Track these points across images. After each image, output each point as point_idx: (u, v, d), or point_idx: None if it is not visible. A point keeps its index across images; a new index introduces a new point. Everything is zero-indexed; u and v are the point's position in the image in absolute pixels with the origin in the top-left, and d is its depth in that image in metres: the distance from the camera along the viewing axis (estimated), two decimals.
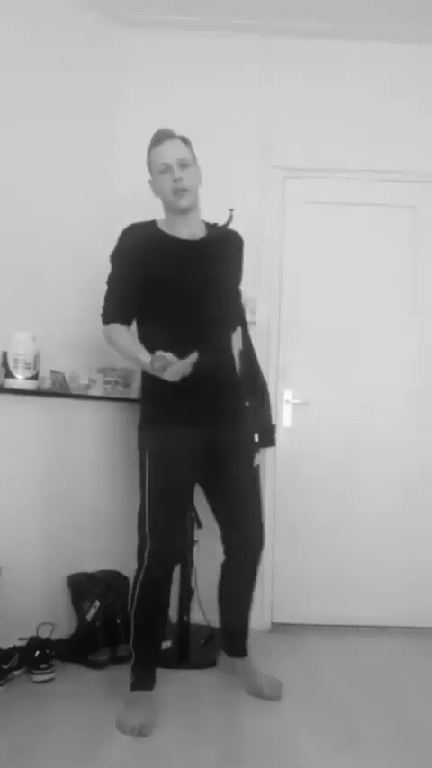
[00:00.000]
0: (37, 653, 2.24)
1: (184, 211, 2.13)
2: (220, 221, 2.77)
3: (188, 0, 2.91)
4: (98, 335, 2.90)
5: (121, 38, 3.06)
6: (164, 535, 2.06)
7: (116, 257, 2.15)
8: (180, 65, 3.09)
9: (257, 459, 2.28)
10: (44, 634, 2.32)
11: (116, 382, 2.74)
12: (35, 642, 2.27)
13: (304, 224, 3.10)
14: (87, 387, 2.69)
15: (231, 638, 2.31)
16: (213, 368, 2.08)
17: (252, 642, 2.33)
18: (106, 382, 2.72)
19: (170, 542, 2.10)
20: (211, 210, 2.80)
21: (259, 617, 2.93)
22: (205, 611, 2.69)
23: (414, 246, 3.12)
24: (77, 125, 2.88)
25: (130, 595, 2.11)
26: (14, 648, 2.25)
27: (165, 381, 1.91)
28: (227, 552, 2.26)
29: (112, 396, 2.71)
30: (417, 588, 2.99)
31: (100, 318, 2.20)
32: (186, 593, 2.65)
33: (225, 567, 2.27)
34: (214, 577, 2.60)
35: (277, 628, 2.95)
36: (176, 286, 2.08)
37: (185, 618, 2.61)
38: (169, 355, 1.84)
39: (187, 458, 2.08)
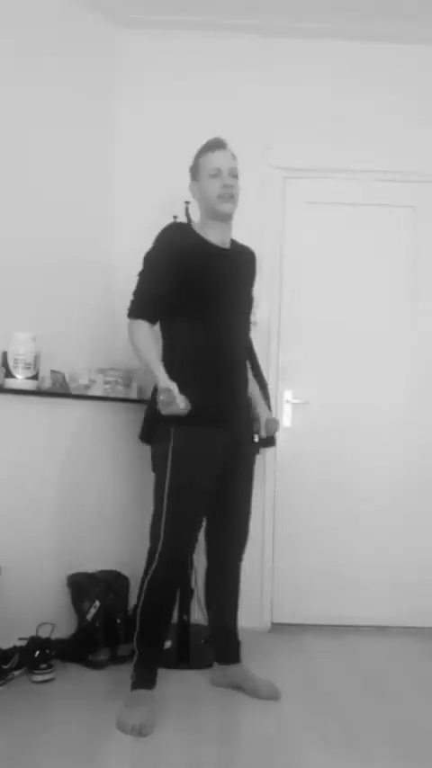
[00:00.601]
0: (37, 653, 2.24)
1: (224, 217, 2.16)
2: None
3: (188, 0, 2.91)
4: (98, 335, 2.92)
5: (121, 38, 3.06)
6: (178, 537, 2.06)
7: (154, 256, 2.14)
8: (180, 65, 3.09)
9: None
10: (44, 634, 2.32)
11: (116, 382, 2.74)
12: (35, 642, 2.27)
13: (304, 224, 3.10)
14: (87, 387, 2.69)
15: (224, 643, 2.29)
16: (239, 373, 2.18)
17: (252, 642, 2.33)
18: (106, 382, 2.72)
19: (184, 544, 2.10)
20: None
21: (259, 617, 2.93)
22: (205, 611, 2.69)
23: (414, 246, 3.12)
24: (77, 125, 2.88)
25: (138, 593, 2.09)
26: (14, 648, 2.25)
27: (192, 379, 2.02)
28: (210, 556, 2.27)
29: (112, 396, 2.71)
30: (416, 588, 2.99)
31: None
32: (186, 594, 2.65)
33: (209, 573, 2.28)
34: None
35: (277, 628, 2.96)
36: (211, 289, 2.11)
37: (185, 618, 2.61)
38: (178, 397, 1.96)
39: (212, 459, 2.08)
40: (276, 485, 3.03)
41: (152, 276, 2.12)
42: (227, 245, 2.21)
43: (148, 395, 2.78)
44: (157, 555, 2.04)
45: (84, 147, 2.92)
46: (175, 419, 2.03)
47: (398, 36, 3.07)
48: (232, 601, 2.27)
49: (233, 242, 2.26)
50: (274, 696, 2.18)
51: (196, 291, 2.09)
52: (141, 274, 2.15)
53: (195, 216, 2.41)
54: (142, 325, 2.10)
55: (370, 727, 2.00)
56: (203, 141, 3.06)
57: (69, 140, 2.84)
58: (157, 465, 2.11)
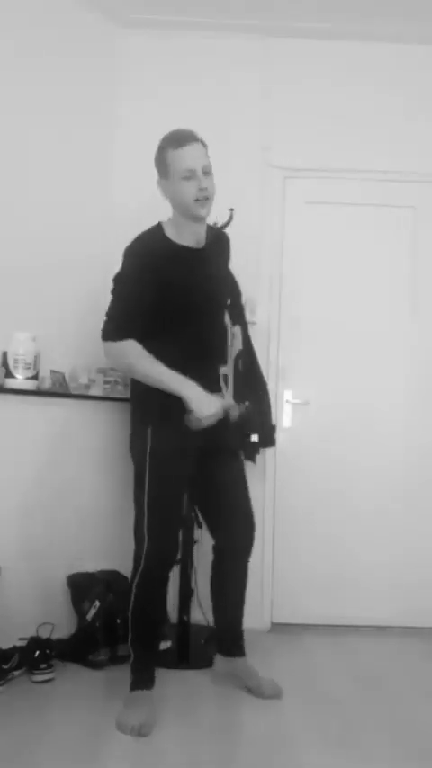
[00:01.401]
0: (37, 653, 2.24)
1: (200, 219, 2.08)
2: (221, 221, 2.78)
3: (188, 0, 2.91)
4: (98, 336, 2.91)
5: (121, 38, 3.06)
6: (162, 536, 2.06)
7: (127, 274, 2.04)
8: (180, 65, 3.09)
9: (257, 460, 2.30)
10: (44, 634, 2.32)
11: (116, 382, 2.74)
12: (35, 642, 2.27)
13: (304, 224, 3.10)
14: (87, 387, 2.69)
15: (228, 637, 2.29)
16: (214, 371, 2.16)
17: (252, 642, 2.33)
18: (106, 382, 2.72)
19: (168, 544, 2.10)
20: (212, 210, 2.80)
21: (259, 617, 2.93)
22: (205, 611, 2.69)
23: (414, 246, 3.12)
24: (77, 125, 2.88)
25: (128, 596, 2.09)
26: (14, 648, 2.24)
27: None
28: (216, 551, 2.26)
29: (112, 396, 2.71)
30: (417, 588, 2.99)
31: (100, 323, 2.14)
32: (186, 593, 2.65)
33: (215, 567, 2.27)
34: None
35: (277, 628, 2.95)
36: (188, 297, 2.05)
37: (185, 618, 2.61)
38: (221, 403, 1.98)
39: (187, 457, 2.08)
40: (276, 485, 3.03)
41: (129, 293, 2.03)
42: (202, 243, 2.13)
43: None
44: (143, 557, 2.04)
45: (84, 146, 2.91)
46: (152, 421, 2.04)
47: (398, 36, 3.07)
48: (240, 594, 2.26)
49: (207, 231, 2.16)
50: (277, 695, 2.18)
51: (172, 301, 2.02)
52: (118, 294, 2.05)
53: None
54: (133, 344, 2.00)
55: (370, 727, 2.00)
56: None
57: (69, 140, 2.84)
58: (136, 468, 2.09)
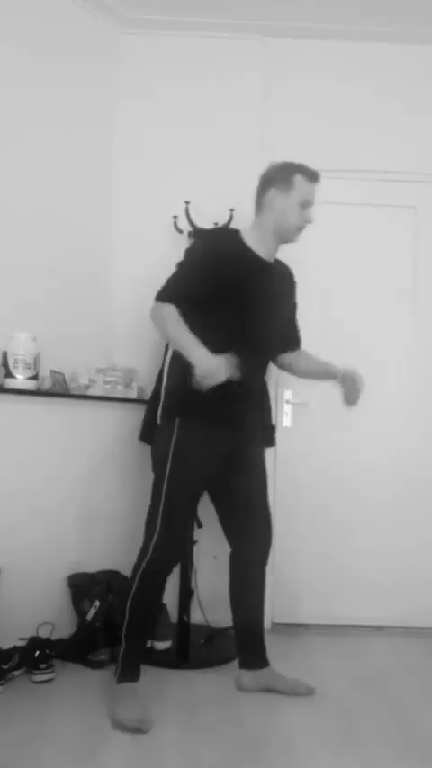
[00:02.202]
0: (37, 653, 2.24)
1: (288, 242, 2.22)
2: (221, 221, 2.79)
3: (189, 0, 2.91)
4: (98, 336, 2.92)
5: (121, 38, 3.06)
6: (174, 529, 2.07)
7: (198, 254, 2.14)
8: (180, 65, 3.09)
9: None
10: (44, 634, 2.32)
11: (116, 382, 2.74)
12: (35, 642, 2.27)
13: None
14: (87, 387, 2.69)
15: (250, 648, 2.27)
16: (254, 382, 2.21)
17: None
18: (106, 382, 2.72)
19: (179, 537, 2.12)
20: (212, 210, 2.82)
21: None
22: (205, 611, 2.69)
23: (414, 246, 3.12)
24: (77, 125, 2.88)
25: (128, 586, 2.09)
26: (14, 648, 2.24)
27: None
28: (233, 558, 2.27)
29: (112, 396, 2.71)
30: (417, 588, 3.00)
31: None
32: (186, 593, 2.65)
33: (233, 575, 2.28)
34: (214, 577, 2.60)
35: (277, 628, 2.95)
36: (249, 298, 2.11)
37: (185, 618, 2.61)
38: (221, 364, 1.94)
39: (213, 457, 2.10)
40: (276, 485, 3.02)
41: (192, 269, 2.11)
42: (271, 260, 2.23)
43: (148, 395, 2.78)
44: (152, 546, 2.04)
45: (84, 146, 2.92)
46: (180, 413, 2.05)
47: (398, 36, 3.07)
48: (258, 602, 2.27)
49: (276, 260, 2.29)
50: (311, 691, 2.21)
51: (232, 297, 2.08)
52: (181, 265, 2.14)
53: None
54: (173, 309, 2.06)
55: (370, 728, 2.00)
56: (203, 141, 3.08)
57: (69, 140, 2.84)
58: (158, 459, 2.11)
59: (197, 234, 2.12)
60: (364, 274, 3.10)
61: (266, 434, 2.33)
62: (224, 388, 1.99)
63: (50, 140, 2.76)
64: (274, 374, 3.01)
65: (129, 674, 2.05)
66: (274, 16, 2.99)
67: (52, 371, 2.60)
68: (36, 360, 2.45)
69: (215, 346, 1.99)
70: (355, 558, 3.00)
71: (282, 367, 2.49)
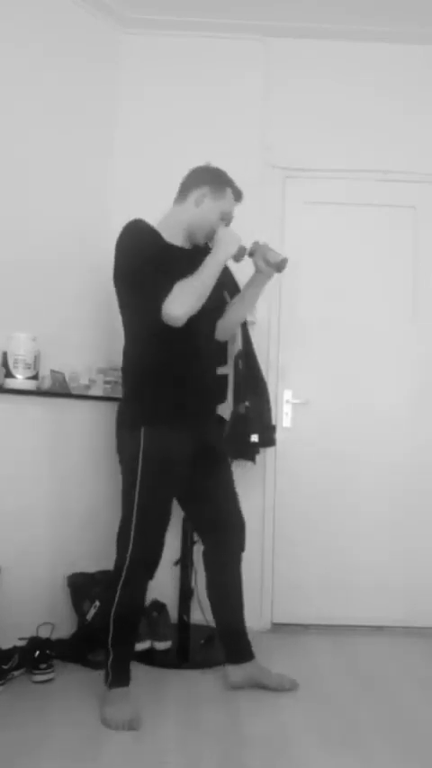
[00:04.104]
0: (37, 653, 2.24)
1: (192, 240, 2.20)
2: None
3: (189, 0, 2.91)
4: (98, 335, 2.92)
5: (122, 38, 3.06)
6: (150, 539, 2.05)
7: (143, 248, 2.05)
8: (180, 65, 3.09)
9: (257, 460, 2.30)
10: (44, 634, 2.32)
11: (116, 382, 2.73)
12: (35, 642, 2.27)
13: (304, 224, 3.10)
14: (87, 387, 2.69)
15: (233, 643, 2.27)
16: (209, 373, 2.19)
17: (252, 642, 2.32)
18: (106, 382, 2.72)
19: (154, 549, 2.08)
20: None
21: (259, 617, 2.93)
22: (205, 611, 2.69)
23: (414, 246, 3.12)
24: (77, 125, 2.88)
25: (109, 597, 2.06)
26: (14, 648, 2.24)
27: (163, 382, 2.03)
28: (205, 555, 2.27)
29: (112, 396, 2.71)
30: (417, 588, 3.00)
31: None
32: (186, 594, 2.65)
33: (208, 572, 2.27)
34: None
35: (277, 628, 2.95)
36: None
37: (185, 618, 2.62)
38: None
39: (182, 461, 2.08)
40: (276, 485, 3.03)
41: (152, 269, 2.02)
42: (188, 246, 2.21)
43: None
44: (128, 557, 2.02)
45: (84, 146, 2.91)
46: (145, 421, 2.03)
47: (398, 36, 3.07)
48: (237, 598, 2.26)
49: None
50: (295, 686, 2.23)
51: (169, 287, 2.00)
52: (140, 281, 2.03)
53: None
54: (173, 291, 1.98)
55: (370, 728, 2.00)
56: (203, 141, 3.08)
57: (69, 140, 2.84)
58: (127, 469, 2.07)
59: (123, 229, 2.11)
60: (364, 274, 3.10)
61: (266, 434, 2.33)
62: (180, 392, 2.04)
63: (50, 140, 2.76)
64: (273, 374, 3.01)
65: (119, 679, 2.04)
66: (274, 16, 2.99)
67: (52, 371, 2.60)
68: (36, 360, 2.45)
69: (162, 353, 2.05)
70: (356, 558, 3.00)
71: (218, 335, 2.37)
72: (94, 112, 2.98)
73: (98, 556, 2.66)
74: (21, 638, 2.29)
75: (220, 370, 2.65)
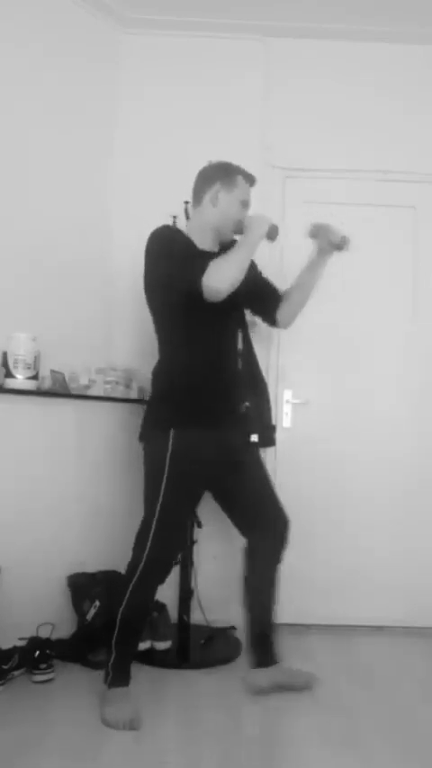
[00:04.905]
0: (37, 653, 2.24)
1: (227, 238, 2.21)
2: None
3: (188, 0, 2.91)
4: (98, 336, 2.92)
5: (122, 38, 3.06)
6: (168, 540, 2.06)
7: (170, 241, 2.08)
8: (180, 65, 3.09)
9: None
10: (44, 634, 2.32)
11: (116, 382, 2.74)
12: (35, 642, 2.27)
13: (304, 224, 3.09)
14: (87, 387, 2.69)
15: (265, 646, 2.24)
16: (238, 375, 2.17)
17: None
18: (106, 382, 2.72)
19: (173, 548, 2.10)
20: None
21: None
22: (205, 611, 2.69)
23: (414, 246, 3.12)
24: (77, 125, 2.88)
25: (119, 596, 2.07)
26: (14, 648, 2.24)
27: (190, 383, 2.05)
28: (249, 552, 2.24)
29: (112, 396, 2.71)
30: (417, 588, 2.99)
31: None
32: (186, 593, 2.65)
33: (247, 568, 2.25)
34: (214, 577, 2.60)
35: (277, 628, 2.95)
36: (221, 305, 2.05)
37: (185, 618, 2.62)
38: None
39: (210, 463, 2.09)
40: (276, 485, 3.01)
41: (180, 250, 2.05)
42: (216, 249, 2.20)
43: (148, 395, 2.78)
44: (144, 558, 2.02)
45: (84, 146, 2.92)
46: (174, 423, 2.03)
47: (398, 36, 3.07)
48: (271, 599, 2.24)
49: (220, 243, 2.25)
50: (313, 681, 2.23)
51: (194, 299, 2.02)
52: (167, 254, 2.05)
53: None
54: (208, 271, 1.97)
55: (371, 728, 2.00)
56: (203, 141, 3.08)
57: (69, 140, 2.84)
58: (151, 472, 2.07)
59: (152, 235, 2.16)
60: (364, 274, 3.10)
61: (266, 434, 2.32)
62: (207, 393, 2.04)
63: (50, 140, 2.76)
64: (273, 374, 3.01)
65: (119, 679, 2.05)
66: (274, 16, 2.99)
67: (52, 371, 2.60)
68: (36, 360, 2.45)
69: (189, 355, 2.07)
70: (356, 558, 3.00)
71: (283, 323, 2.43)
72: (94, 112, 2.98)
73: (98, 556, 2.66)
74: (21, 638, 2.29)
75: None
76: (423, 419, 3.06)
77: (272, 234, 2.14)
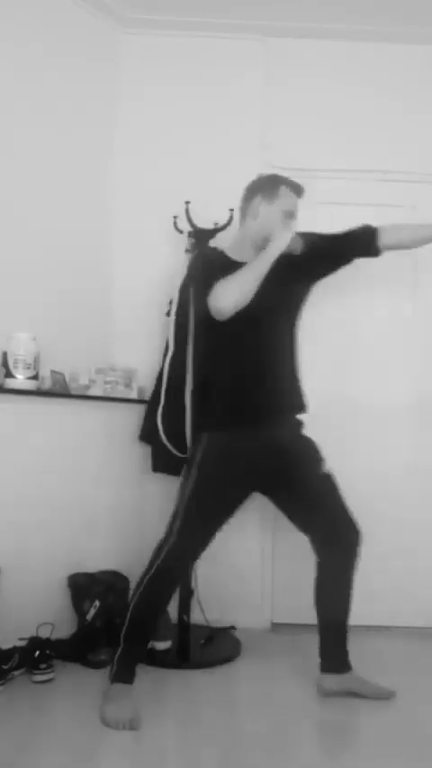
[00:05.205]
0: (37, 653, 2.24)
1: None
2: (221, 221, 2.79)
3: (188, 0, 2.91)
4: (98, 336, 2.92)
5: (121, 38, 3.06)
6: (190, 539, 2.08)
7: (196, 270, 2.21)
8: (180, 64, 3.09)
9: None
10: (44, 634, 2.32)
11: (116, 382, 2.74)
12: (35, 642, 2.27)
13: (304, 224, 3.09)
14: (87, 387, 2.69)
15: (338, 651, 2.22)
16: (271, 378, 2.18)
17: (252, 642, 2.33)
18: (106, 382, 2.72)
19: (193, 548, 2.11)
20: (212, 210, 2.81)
21: (259, 617, 2.93)
22: (205, 611, 2.69)
23: None
24: (77, 125, 2.88)
25: (134, 589, 2.09)
26: (14, 648, 2.24)
27: (223, 378, 2.10)
28: (318, 560, 2.23)
29: (112, 396, 2.71)
30: (417, 588, 2.99)
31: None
32: (186, 593, 2.65)
33: (318, 576, 2.24)
34: (214, 577, 2.61)
35: (277, 628, 2.95)
36: (250, 309, 2.06)
37: (185, 618, 2.62)
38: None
39: (242, 472, 2.09)
40: None
41: (206, 278, 2.10)
42: None
43: (148, 395, 2.79)
44: (164, 553, 2.05)
45: (84, 146, 2.92)
46: (206, 428, 2.09)
47: (398, 36, 3.07)
48: (344, 606, 2.21)
49: None
50: (392, 695, 2.19)
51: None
52: (196, 287, 2.17)
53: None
54: (220, 284, 2.03)
55: (370, 728, 2.00)
56: (203, 141, 3.08)
57: (69, 140, 2.84)
58: (186, 472, 2.14)
59: (193, 257, 2.27)
60: (364, 274, 3.09)
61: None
62: (246, 392, 2.08)
63: (50, 140, 2.76)
64: None
65: (123, 675, 2.05)
66: (274, 16, 2.99)
67: (52, 371, 2.60)
68: (36, 360, 2.45)
69: (229, 359, 2.10)
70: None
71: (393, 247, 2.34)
72: (94, 112, 2.98)
73: (99, 556, 2.66)
74: (21, 638, 2.29)
75: None
76: (423, 420, 3.06)
77: (294, 247, 2.12)
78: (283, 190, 2.20)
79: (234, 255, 2.20)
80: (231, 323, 2.05)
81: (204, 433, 2.12)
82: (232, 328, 2.07)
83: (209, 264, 2.18)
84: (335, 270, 2.30)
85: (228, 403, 2.11)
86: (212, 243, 2.75)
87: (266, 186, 2.21)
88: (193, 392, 2.28)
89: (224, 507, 2.12)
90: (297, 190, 2.22)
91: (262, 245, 2.16)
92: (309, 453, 2.21)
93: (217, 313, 2.03)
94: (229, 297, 2.01)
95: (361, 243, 2.22)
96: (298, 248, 2.13)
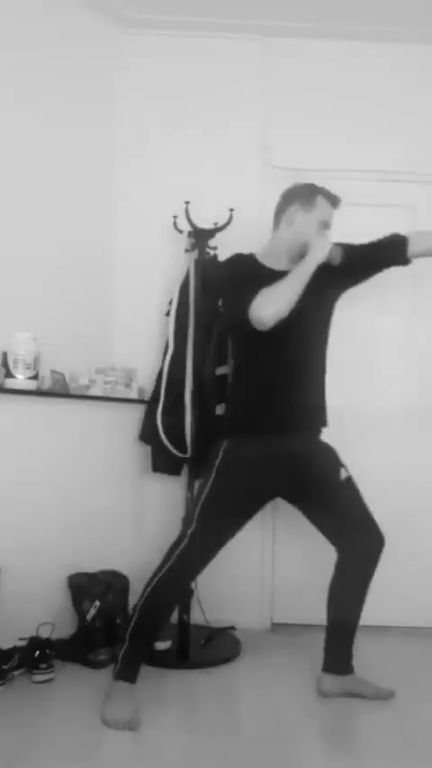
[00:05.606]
0: (37, 653, 2.24)
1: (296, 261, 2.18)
2: (221, 221, 2.79)
3: (188, 0, 2.91)
4: (98, 336, 2.92)
5: (121, 37, 3.06)
6: (202, 542, 2.08)
7: (226, 276, 2.19)
8: (180, 64, 3.09)
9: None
10: (44, 634, 2.32)
11: (116, 382, 2.74)
12: (35, 642, 2.27)
13: None
14: (87, 387, 2.69)
15: (343, 652, 2.22)
16: (305, 378, 2.22)
17: (252, 642, 2.33)
18: (106, 382, 2.72)
19: (205, 551, 2.11)
20: (212, 210, 2.82)
21: (259, 617, 2.93)
22: (205, 611, 2.69)
23: None
24: (77, 125, 2.88)
25: (143, 589, 2.09)
26: (14, 648, 2.24)
27: (243, 393, 2.16)
28: (343, 558, 2.23)
29: (112, 396, 2.71)
30: (416, 588, 2.99)
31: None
32: (186, 593, 2.65)
33: (335, 575, 2.23)
34: (214, 577, 2.60)
35: (277, 628, 2.95)
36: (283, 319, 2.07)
37: (185, 618, 2.61)
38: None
39: (262, 471, 2.11)
40: None
41: (237, 289, 2.09)
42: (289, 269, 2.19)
43: (148, 395, 2.79)
44: (174, 556, 2.06)
45: (84, 146, 2.92)
46: (226, 435, 2.12)
47: (398, 36, 3.07)
48: (356, 608, 2.22)
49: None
50: (392, 695, 2.20)
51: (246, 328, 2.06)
52: (228, 295, 2.16)
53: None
54: (259, 297, 2.01)
55: (370, 728, 2.00)
56: (204, 141, 3.08)
57: (69, 140, 2.84)
58: (203, 478, 2.16)
59: (216, 264, 2.29)
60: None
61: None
62: (266, 398, 2.10)
63: (50, 140, 2.76)
64: None
65: (127, 673, 2.05)
66: (273, 16, 2.99)
67: (52, 371, 2.60)
68: (36, 360, 2.45)
69: (257, 364, 2.13)
70: None
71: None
72: (94, 112, 2.98)
73: (99, 556, 2.66)
74: (21, 638, 2.29)
75: (220, 370, 2.65)
76: (423, 420, 3.06)
77: (333, 258, 2.11)
78: (321, 200, 2.21)
79: (267, 262, 2.20)
80: (265, 332, 2.04)
81: (225, 438, 2.14)
82: (264, 337, 2.05)
83: (239, 271, 2.16)
84: (365, 280, 2.33)
85: (252, 412, 2.13)
86: (212, 243, 2.75)
87: (304, 195, 2.22)
88: (226, 404, 2.32)
89: (238, 513, 2.14)
90: (334, 201, 2.24)
91: (297, 253, 2.17)
92: (328, 461, 2.24)
93: (258, 323, 2.01)
94: (271, 307, 2.00)
95: (392, 253, 2.26)
96: (338, 258, 2.13)
